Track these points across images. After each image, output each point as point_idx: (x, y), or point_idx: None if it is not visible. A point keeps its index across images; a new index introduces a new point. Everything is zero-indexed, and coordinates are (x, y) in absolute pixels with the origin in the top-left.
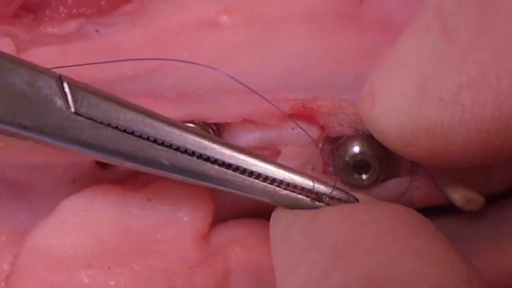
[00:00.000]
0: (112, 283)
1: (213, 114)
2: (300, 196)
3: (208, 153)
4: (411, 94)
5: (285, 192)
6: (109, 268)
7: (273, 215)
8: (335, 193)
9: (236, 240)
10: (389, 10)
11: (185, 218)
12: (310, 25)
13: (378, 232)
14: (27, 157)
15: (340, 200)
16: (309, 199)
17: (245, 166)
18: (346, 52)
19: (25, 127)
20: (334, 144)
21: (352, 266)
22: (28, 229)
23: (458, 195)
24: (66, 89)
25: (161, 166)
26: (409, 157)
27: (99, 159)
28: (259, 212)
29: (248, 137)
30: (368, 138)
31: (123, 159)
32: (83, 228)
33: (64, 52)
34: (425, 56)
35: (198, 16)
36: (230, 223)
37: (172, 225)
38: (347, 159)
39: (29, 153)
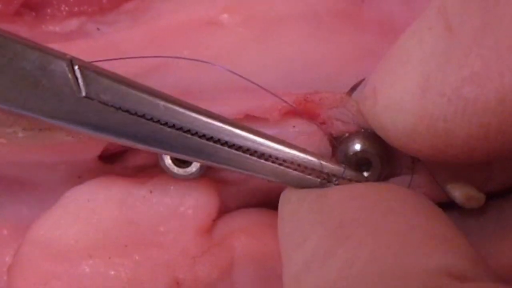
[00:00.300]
0: (112, 272)
1: (214, 110)
2: (309, 176)
3: (218, 134)
4: (414, 91)
5: (295, 173)
6: (110, 258)
7: (282, 195)
8: (346, 173)
9: (241, 228)
10: (389, 10)
11: (189, 211)
12: (310, 24)
13: (387, 212)
14: (30, 154)
15: (350, 181)
16: (318, 180)
17: (255, 147)
18: (346, 52)
19: (36, 111)
20: (335, 141)
21: (359, 245)
22: (31, 223)
23: (458, 193)
24: (77, 72)
25: (172, 148)
26: (411, 153)
27: (110, 141)
28: (264, 205)
29: None
30: (369, 136)
31: (134, 141)
32: (85, 219)
33: (65, 50)
34: (427, 53)
35: (199, 15)
36: (235, 213)
37: (175, 217)
38: (348, 156)
39: (32, 150)
